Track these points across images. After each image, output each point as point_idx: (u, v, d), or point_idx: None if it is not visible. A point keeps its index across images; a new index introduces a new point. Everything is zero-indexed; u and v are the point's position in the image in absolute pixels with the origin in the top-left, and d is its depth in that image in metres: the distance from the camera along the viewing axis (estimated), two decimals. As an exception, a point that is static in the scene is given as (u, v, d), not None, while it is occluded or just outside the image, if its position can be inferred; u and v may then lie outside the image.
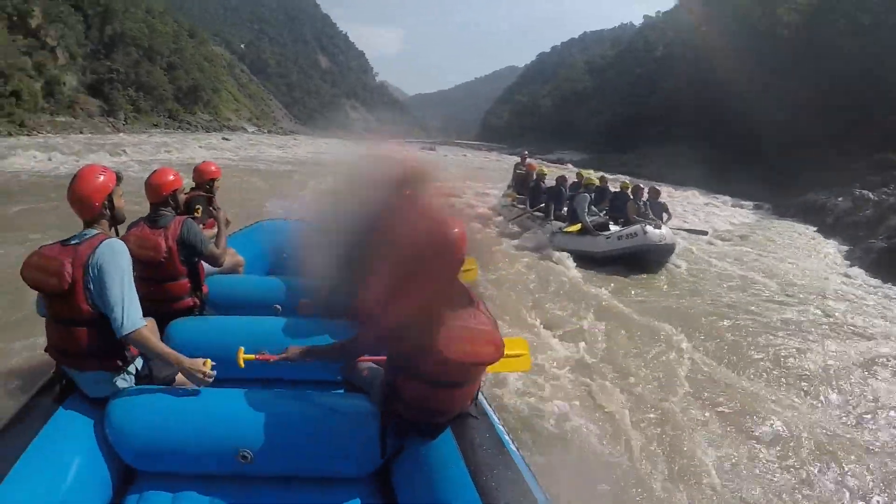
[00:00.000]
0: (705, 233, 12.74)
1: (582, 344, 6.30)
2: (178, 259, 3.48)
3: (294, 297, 3.88)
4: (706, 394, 5.47)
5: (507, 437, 2.50)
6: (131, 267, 2.52)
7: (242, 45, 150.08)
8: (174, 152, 33.81)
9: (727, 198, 31.47)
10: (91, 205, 2.52)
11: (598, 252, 9.99)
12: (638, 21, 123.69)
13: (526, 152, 18.32)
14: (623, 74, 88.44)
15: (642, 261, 9.78)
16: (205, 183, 5.00)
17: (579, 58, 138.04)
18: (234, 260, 4.31)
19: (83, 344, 2.46)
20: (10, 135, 40.19)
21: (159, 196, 3.64)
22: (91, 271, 2.39)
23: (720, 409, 5.17)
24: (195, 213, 4.52)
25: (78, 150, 27.80)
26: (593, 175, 11.58)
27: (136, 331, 2.43)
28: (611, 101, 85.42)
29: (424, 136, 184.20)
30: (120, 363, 2.58)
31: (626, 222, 10.31)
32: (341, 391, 3.04)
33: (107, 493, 2.40)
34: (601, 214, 11.07)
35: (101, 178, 2.55)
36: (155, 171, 3.74)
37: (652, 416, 4.83)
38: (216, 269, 3.91)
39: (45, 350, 2.63)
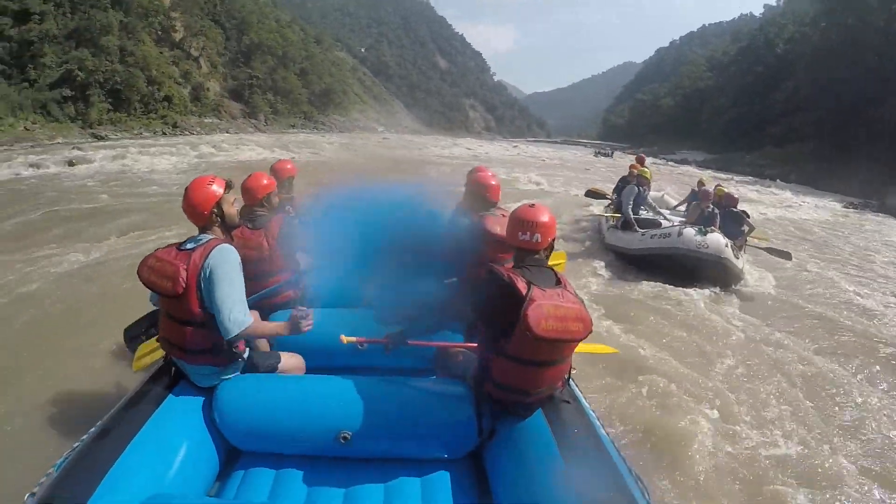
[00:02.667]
0: (788, 256, 9.45)
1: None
2: (278, 255, 3.56)
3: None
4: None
5: (598, 423, 2.48)
6: (241, 269, 2.58)
7: (363, 50, 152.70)
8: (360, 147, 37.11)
9: (851, 200, 29.10)
10: (202, 213, 2.62)
11: (630, 250, 8.77)
12: (758, 10, 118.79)
13: (643, 154, 15.33)
14: (745, 72, 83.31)
15: (681, 269, 8.01)
16: (283, 181, 4.84)
17: (700, 53, 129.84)
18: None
19: (194, 341, 2.56)
20: (164, 134, 43.43)
21: (255, 199, 3.78)
22: (203, 275, 2.46)
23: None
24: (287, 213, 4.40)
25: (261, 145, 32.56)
26: (647, 170, 10.11)
27: (242, 330, 2.48)
28: (733, 99, 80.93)
29: (543, 134, 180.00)
30: (228, 360, 2.68)
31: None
32: (434, 378, 2.98)
33: (213, 471, 2.56)
34: (658, 211, 9.90)
35: (211, 187, 2.65)
36: (250, 175, 3.82)
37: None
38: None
39: (157, 340, 2.84)
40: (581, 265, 8.79)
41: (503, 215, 3.27)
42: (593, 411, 2.63)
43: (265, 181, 3.85)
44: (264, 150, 31.07)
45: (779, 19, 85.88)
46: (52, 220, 10.75)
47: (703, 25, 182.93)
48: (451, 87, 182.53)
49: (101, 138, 36.28)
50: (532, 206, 2.51)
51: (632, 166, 10.37)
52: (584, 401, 2.65)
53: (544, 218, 2.42)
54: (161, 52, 52.36)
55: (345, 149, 38.11)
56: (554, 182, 22.95)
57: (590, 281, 8.07)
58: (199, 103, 54.51)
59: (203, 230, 2.67)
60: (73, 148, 27.80)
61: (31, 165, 19.39)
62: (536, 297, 2.21)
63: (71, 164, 20.27)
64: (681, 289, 7.81)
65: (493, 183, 3.64)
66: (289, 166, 5.07)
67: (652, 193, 10.97)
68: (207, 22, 63.22)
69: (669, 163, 55.72)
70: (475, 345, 2.75)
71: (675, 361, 5.51)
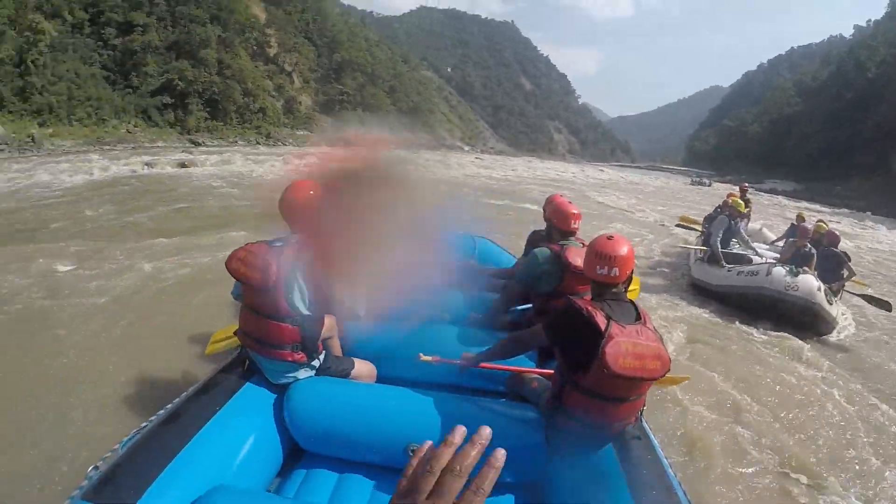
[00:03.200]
0: (888, 306, 7.88)
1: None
2: None
3: (460, 307, 3.85)
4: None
5: (666, 462, 2.36)
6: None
7: (449, 69, 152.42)
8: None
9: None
10: (300, 215, 2.64)
11: (714, 285, 8.09)
12: (847, 32, 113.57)
13: (746, 185, 14.35)
14: (834, 97, 78.73)
15: (767, 311, 7.31)
16: None
17: (788, 76, 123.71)
18: None
19: (275, 336, 2.59)
20: (257, 143, 44.66)
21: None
22: (293, 272, 2.54)
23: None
24: None
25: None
26: (740, 200, 9.34)
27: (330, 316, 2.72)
28: (822, 125, 76.80)
29: (627, 159, 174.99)
30: (304, 358, 2.68)
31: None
32: (504, 401, 2.88)
33: (275, 467, 2.56)
34: (750, 245, 9.08)
35: (309, 192, 2.64)
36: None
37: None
38: None
39: (235, 333, 2.84)
40: (663, 298, 8.21)
41: (583, 245, 3.19)
42: (662, 450, 2.46)
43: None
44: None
45: (869, 41, 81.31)
46: (178, 213, 12.03)
47: (792, 48, 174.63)
48: (536, 109, 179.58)
49: (197, 144, 37.78)
50: (610, 237, 2.41)
51: (729, 195, 9.84)
52: (654, 438, 2.49)
53: (623, 251, 2.35)
54: (256, 66, 53.73)
55: (444, 166, 36.79)
56: (645, 209, 21.63)
57: (668, 314, 7.48)
58: (292, 116, 55.65)
59: (296, 231, 2.70)
60: (182, 151, 30.37)
61: (147, 165, 21.64)
62: (615, 333, 2.15)
63: (183, 165, 22.60)
64: (766, 330, 7.19)
65: (574, 212, 3.50)
66: None
67: (750, 226, 10.84)
68: (300, 39, 64.75)
69: (757, 193, 51.10)
70: (550, 371, 2.80)
71: (752, 404, 5.01)
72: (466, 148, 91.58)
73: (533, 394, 2.83)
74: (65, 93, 32.57)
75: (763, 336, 6.99)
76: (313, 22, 69.07)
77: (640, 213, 20.03)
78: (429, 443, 0.66)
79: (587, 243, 2.68)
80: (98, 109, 34.28)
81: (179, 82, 41.44)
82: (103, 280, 6.75)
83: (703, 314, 7.66)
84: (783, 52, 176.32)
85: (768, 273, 7.28)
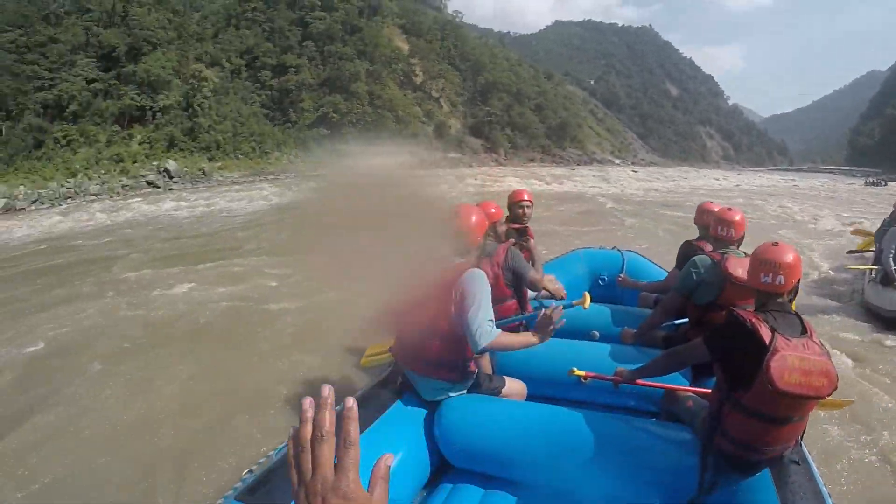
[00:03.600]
0: None
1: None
2: (503, 283, 3.47)
3: (610, 324, 3.81)
4: None
5: (825, 491, 2.20)
6: (489, 292, 2.51)
7: (592, 82, 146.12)
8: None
9: None
10: (470, 240, 2.68)
11: (886, 310, 6.50)
12: None
13: None
14: None
15: None
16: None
17: None
18: (555, 286, 3.84)
19: (432, 355, 2.60)
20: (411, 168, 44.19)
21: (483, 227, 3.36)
22: (455, 294, 2.50)
23: None
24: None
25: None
26: None
27: (490, 341, 2.44)
28: None
29: (785, 162, 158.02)
30: (459, 378, 2.70)
31: None
32: (657, 420, 2.80)
33: (423, 480, 2.58)
34: None
35: (475, 219, 2.69)
36: (478, 203, 3.60)
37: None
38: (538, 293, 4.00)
39: (389, 350, 2.89)
40: (828, 323, 6.60)
41: (745, 254, 3.11)
42: (821, 477, 2.28)
43: (493, 210, 3.73)
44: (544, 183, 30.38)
45: None
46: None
47: None
48: (684, 115, 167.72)
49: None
50: (775, 244, 2.29)
51: None
52: (813, 464, 2.32)
53: (788, 258, 2.23)
54: (405, 95, 54.64)
55: (604, 181, 34.89)
56: (816, 217, 18.52)
57: (833, 342, 5.97)
58: (443, 139, 55.31)
59: (457, 254, 2.72)
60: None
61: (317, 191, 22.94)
62: (780, 346, 2.03)
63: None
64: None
65: (737, 219, 3.31)
66: (523, 196, 4.50)
67: None
68: (444, 65, 65.10)
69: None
70: (707, 391, 2.64)
71: None
72: (617, 161, 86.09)
73: (688, 413, 2.62)
74: (230, 130, 35.62)
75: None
76: (454, 48, 69.24)
77: (809, 222, 17.28)
78: (292, 428, 0.64)
79: (748, 254, 2.76)
80: (261, 143, 38.19)
81: (334, 115, 43.42)
82: (288, 291, 7.55)
83: (874, 344, 6.16)
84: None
85: None
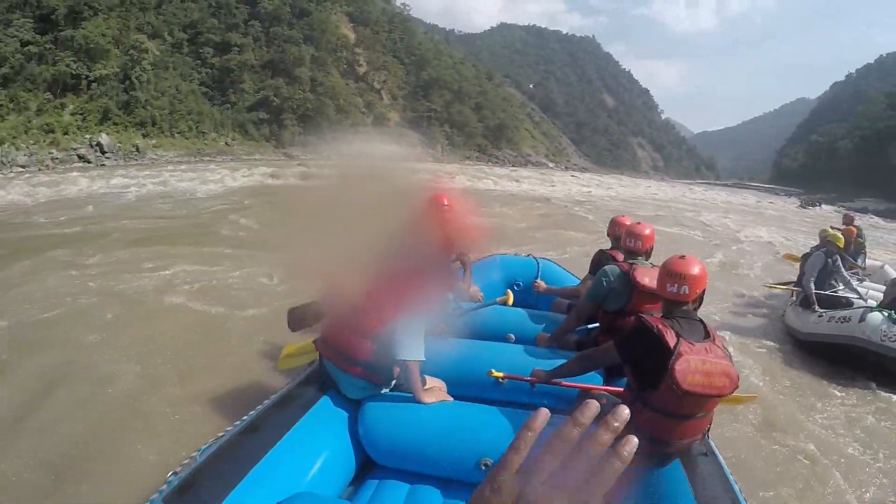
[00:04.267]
0: None
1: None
2: None
3: (526, 327, 3.89)
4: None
5: (732, 478, 2.37)
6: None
7: (531, 86, 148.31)
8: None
9: None
10: None
11: (802, 332, 6.91)
12: None
13: (850, 213, 13.52)
14: None
15: (861, 364, 6.12)
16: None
17: (879, 87, 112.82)
18: (473, 290, 4.22)
19: (360, 354, 2.59)
20: None
21: None
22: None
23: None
24: None
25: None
26: (839, 233, 8.00)
27: (414, 361, 2.53)
28: None
29: (712, 176, 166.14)
30: (382, 381, 2.71)
31: None
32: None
33: (348, 477, 2.59)
34: (854, 287, 7.61)
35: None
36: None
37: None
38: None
39: (314, 342, 2.83)
40: (746, 342, 7.05)
41: (652, 265, 3.26)
42: (728, 466, 2.49)
43: None
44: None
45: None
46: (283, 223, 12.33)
47: (881, 56, 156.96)
48: (619, 125, 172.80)
49: (292, 157, 37.95)
50: (682, 257, 2.45)
51: (822, 231, 8.59)
52: (719, 455, 2.53)
53: (694, 271, 2.39)
54: (347, 84, 54.11)
55: (548, 184, 34.88)
56: (751, 235, 18.83)
57: (747, 360, 6.40)
58: (381, 131, 54.63)
59: None
60: (299, 164, 31.20)
61: (272, 176, 23.47)
62: (684, 351, 2.19)
63: (305, 177, 24.21)
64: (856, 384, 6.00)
65: (647, 233, 3.51)
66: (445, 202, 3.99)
67: (869, 262, 9.93)
68: (389, 58, 64.80)
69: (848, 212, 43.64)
70: (619, 389, 2.77)
71: (826, 437, 4.72)
72: (551, 165, 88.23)
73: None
74: (167, 107, 34.06)
75: (851, 389, 5.97)
76: (400, 41, 69.24)
77: (745, 240, 17.39)
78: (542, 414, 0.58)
79: (655, 265, 3.05)
80: (198, 123, 36.18)
81: (275, 98, 42.31)
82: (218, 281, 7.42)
83: (785, 356, 6.76)
84: (872, 61, 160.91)
85: (862, 320, 6.17)
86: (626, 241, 3.52)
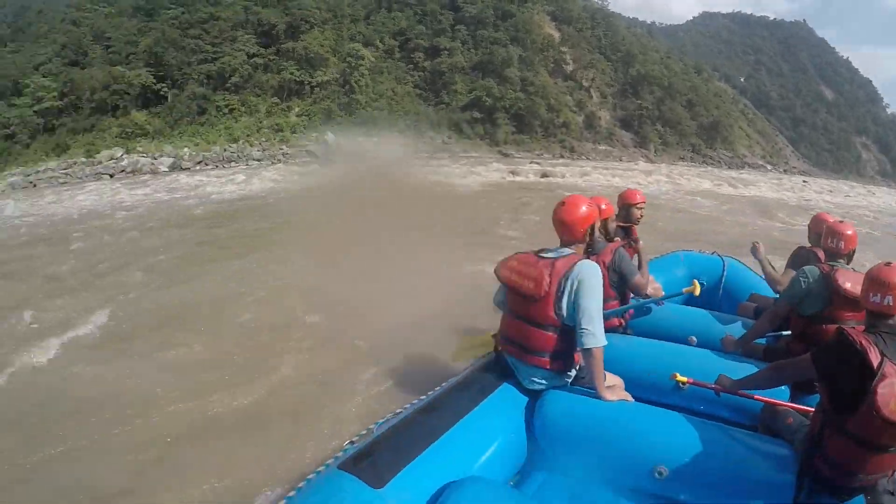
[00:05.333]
0: None
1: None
2: (608, 284, 3.44)
3: (710, 330, 3.68)
4: None
5: None
6: (602, 288, 2.53)
7: (742, 79, 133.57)
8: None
9: None
10: (574, 231, 2.63)
11: None
12: None
13: None
14: None
15: None
16: (624, 208, 4.52)
17: None
18: (654, 287, 4.07)
19: (536, 344, 2.58)
20: (562, 157, 43.39)
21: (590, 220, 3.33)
22: (568, 284, 2.47)
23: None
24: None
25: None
26: None
27: (597, 348, 2.45)
28: None
29: None
30: (562, 368, 2.66)
31: None
32: (756, 434, 2.67)
33: (517, 466, 2.58)
34: None
35: (584, 209, 2.65)
36: (591, 198, 3.48)
37: None
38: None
39: (493, 336, 2.94)
40: None
41: (853, 269, 3.10)
42: None
43: (603, 206, 3.74)
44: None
45: None
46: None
47: None
48: (839, 122, 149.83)
49: (506, 155, 38.51)
50: (888, 264, 2.24)
51: None
52: None
53: None
54: (556, 83, 51.27)
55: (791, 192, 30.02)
56: None
57: None
58: (593, 131, 51.47)
59: (565, 244, 2.67)
60: (531, 162, 31.71)
61: (511, 173, 23.42)
62: (889, 373, 1.94)
63: (545, 175, 23.18)
64: None
65: (849, 233, 3.27)
66: (638, 197, 4.56)
67: None
68: (595, 55, 60.76)
69: None
70: (808, 409, 2.57)
71: None
72: (769, 168, 77.03)
73: (788, 430, 2.55)
74: (386, 108, 36.16)
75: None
76: (604, 37, 64.54)
77: None
78: None
79: (856, 270, 2.93)
80: (416, 123, 37.39)
81: (487, 98, 41.76)
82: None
83: None
84: None
85: None
86: (826, 241, 3.29)
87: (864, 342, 1.99)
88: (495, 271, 2.70)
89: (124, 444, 3.62)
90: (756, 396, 2.66)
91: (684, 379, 2.78)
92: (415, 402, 2.53)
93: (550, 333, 2.52)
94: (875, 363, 1.93)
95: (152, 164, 26.38)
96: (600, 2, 78.57)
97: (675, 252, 5.23)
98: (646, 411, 2.53)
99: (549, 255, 2.58)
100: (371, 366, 4.59)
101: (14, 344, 5.31)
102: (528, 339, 2.57)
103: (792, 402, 2.73)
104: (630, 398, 2.64)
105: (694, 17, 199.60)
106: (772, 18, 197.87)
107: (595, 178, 24.25)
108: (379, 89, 36.61)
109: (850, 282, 2.85)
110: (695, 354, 3.18)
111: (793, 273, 3.30)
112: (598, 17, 67.38)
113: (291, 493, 1.99)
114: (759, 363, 2.94)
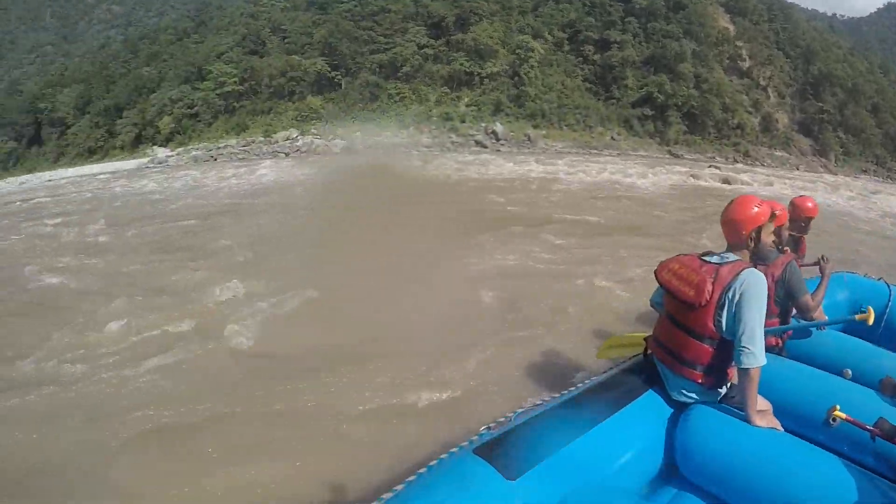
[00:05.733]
0: None
1: None
2: (773, 298, 3.19)
3: (867, 365, 3.23)
4: None
5: None
6: (766, 301, 2.33)
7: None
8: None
9: None
10: (739, 232, 2.47)
11: None
12: None
13: None
14: None
15: None
16: (799, 221, 4.31)
17: None
18: (819, 314, 3.46)
19: (690, 354, 2.43)
20: (735, 161, 40.06)
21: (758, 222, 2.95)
22: (730, 294, 2.31)
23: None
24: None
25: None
26: None
27: (755, 368, 2.28)
28: None
29: None
30: (714, 383, 2.48)
31: None
32: None
33: (650, 476, 2.46)
34: None
35: (755, 209, 2.48)
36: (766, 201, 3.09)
37: None
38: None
39: (646, 339, 2.74)
40: None
41: None
42: None
43: (778, 211, 3.18)
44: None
45: None
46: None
47: None
48: None
49: (677, 156, 36.54)
50: None
51: None
52: None
53: None
54: (730, 81, 47.58)
55: None
56: None
57: None
58: (769, 134, 47.03)
59: (732, 249, 2.50)
60: (709, 166, 29.11)
61: (691, 176, 21.81)
62: None
63: (726, 182, 21.46)
64: None
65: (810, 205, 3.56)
66: (809, 204, 4.39)
67: None
68: (773, 51, 55.65)
69: None
70: None
71: None
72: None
73: None
74: (555, 101, 35.06)
75: None
76: (782, 31, 58.72)
77: None
78: None
79: None
80: (585, 117, 37.38)
81: (659, 95, 39.46)
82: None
83: None
84: None
85: None
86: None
87: None
88: (655, 273, 2.55)
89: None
90: None
91: (843, 415, 2.49)
92: (557, 395, 2.46)
93: (707, 346, 2.38)
94: None
95: (326, 145, 27.80)
96: (778, -8, 72.17)
97: (836, 273, 4.79)
98: (796, 446, 2.30)
99: (714, 259, 2.42)
100: (507, 352, 4.69)
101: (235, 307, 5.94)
102: (683, 349, 2.43)
103: None
104: (779, 426, 2.43)
105: (878, 9, 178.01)
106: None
107: (778, 189, 21.88)
108: (548, 82, 35.70)
109: None
110: (853, 390, 2.85)
111: None
112: (776, 9, 61.62)
113: (422, 470, 1.97)
114: None
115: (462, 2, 38.45)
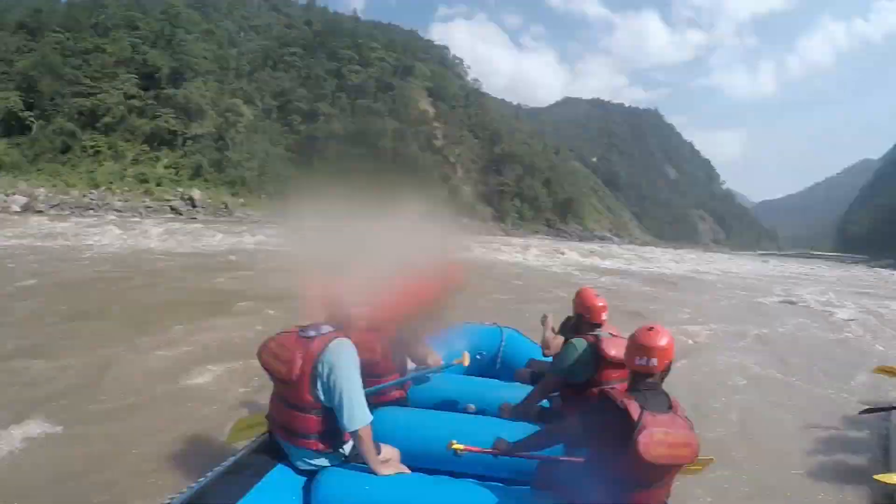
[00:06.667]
0: None
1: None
2: (391, 358, 3.34)
3: (487, 398, 3.67)
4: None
5: None
6: (358, 366, 2.50)
7: (594, 160, 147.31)
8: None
9: None
10: (332, 304, 2.62)
11: None
12: None
13: None
14: None
15: None
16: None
17: None
18: (434, 359, 3.72)
19: (300, 426, 2.51)
20: None
21: None
22: (320, 367, 2.41)
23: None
24: None
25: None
26: None
27: (362, 428, 2.44)
28: None
29: (774, 247, 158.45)
30: (331, 448, 2.59)
31: None
32: (528, 488, 2.78)
33: None
34: None
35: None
36: None
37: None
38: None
39: (266, 416, 2.75)
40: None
41: (612, 334, 3.24)
42: None
43: None
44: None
45: None
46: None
47: None
48: (681, 198, 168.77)
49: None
50: (651, 328, 2.36)
51: None
52: None
53: (662, 342, 2.32)
54: (424, 156, 53.97)
55: (644, 261, 32.19)
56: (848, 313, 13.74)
57: None
58: (454, 204, 54.06)
59: (329, 320, 2.57)
60: None
61: None
62: (648, 423, 2.15)
63: None
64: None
65: (600, 304, 3.44)
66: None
67: None
68: (465, 132, 64.78)
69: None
70: (580, 459, 2.64)
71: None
72: (616, 239, 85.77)
73: (562, 482, 2.69)
74: (256, 169, 35.56)
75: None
76: (475, 115, 69.29)
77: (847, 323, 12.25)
78: None
79: (615, 333, 3.15)
80: (284, 186, 36.67)
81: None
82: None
83: None
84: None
85: None
86: (584, 314, 3.45)
87: (624, 399, 2.18)
88: (258, 354, 2.54)
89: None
90: (531, 455, 2.77)
91: (460, 446, 2.78)
92: (183, 490, 2.32)
93: (313, 415, 2.44)
94: (636, 416, 2.11)
95: (4, 201, 24.68)
96: (474, 82, 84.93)
97: (463, 323, 5.22)
98: (420, 481, 2.59)
99: (311, 333, 2.46)
100: (130, 452, 3.90)
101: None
102: (293, 422, 2.48)
103: (568, 455, 2.86)
104: (406, 470, 2.66)
105: (557, 101, 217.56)
106: (627, 105, 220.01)
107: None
108: (253, 149, 36.43)
109: (615, 348, 3.01)
110: (472, 422, 3.25)
111: (562, 339, 3.53)
112: (472, 97, 72.42)
113: None
114: (536, 426, 3.04)
115: (181, 54, 37.95)
